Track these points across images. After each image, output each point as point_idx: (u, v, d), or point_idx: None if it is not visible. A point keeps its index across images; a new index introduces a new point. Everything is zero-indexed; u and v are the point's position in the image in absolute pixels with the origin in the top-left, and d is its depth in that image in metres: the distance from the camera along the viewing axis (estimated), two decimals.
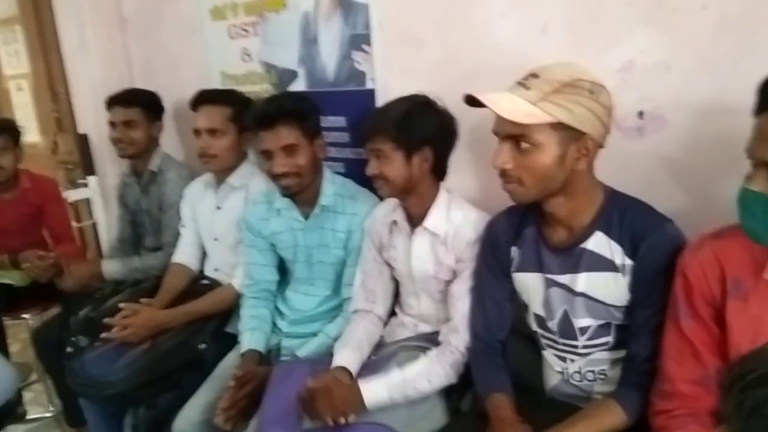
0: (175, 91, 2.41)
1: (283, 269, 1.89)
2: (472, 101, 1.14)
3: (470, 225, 1.45)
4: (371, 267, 1.65)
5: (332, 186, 1.74)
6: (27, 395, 2.76)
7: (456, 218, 1.47)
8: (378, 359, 1.54)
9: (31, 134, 3.08)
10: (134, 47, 2.61)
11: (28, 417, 2.70)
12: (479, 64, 1.56)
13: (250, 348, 1.73)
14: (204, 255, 2.13)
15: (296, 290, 1.85)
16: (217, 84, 2.22)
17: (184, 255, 2.12)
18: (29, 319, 2.61)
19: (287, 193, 1.69)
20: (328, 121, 1.87)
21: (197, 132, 1.92)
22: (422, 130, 1.42)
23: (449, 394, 1.43)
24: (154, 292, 2.02)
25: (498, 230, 1.36)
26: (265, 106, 1.67)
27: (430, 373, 1.40)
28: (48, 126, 2.99)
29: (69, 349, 1.95)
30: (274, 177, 1.66)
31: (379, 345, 1.62)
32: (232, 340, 1.83)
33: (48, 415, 2.73)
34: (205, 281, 2.07)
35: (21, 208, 2.54)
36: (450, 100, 1.44)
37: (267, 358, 1.75)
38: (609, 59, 1.35)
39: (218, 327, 1.91)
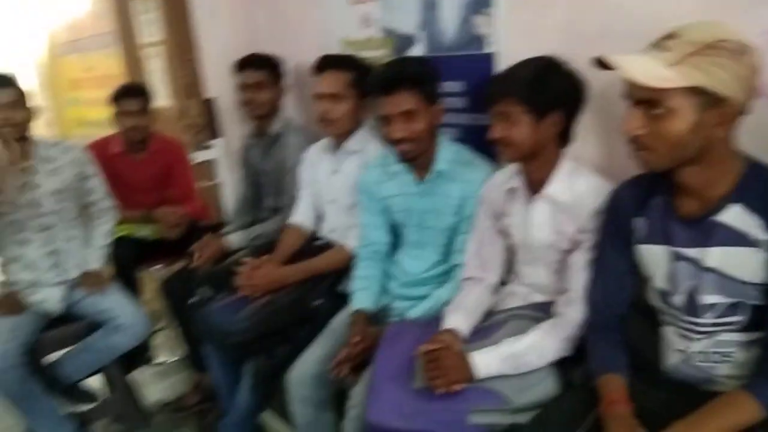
0: (296, 57, 2.48)
1: (396, 232, 1.93)
2: (602, 64, 1.09)
3: (594, 194, 1.39)
4: (485, 235, 1.64)
5: (448, 152, 1.73)
6: (155, 341, 3.00)
7: (579, 186, 1.42)
8: (488, 326, 1.54)
9: (162, 99, 3.29)
10: (260, 15, 2.70)
11: (156, 361, 2.95)
12: (607, 27, 1.48)
13: (360, 307, 1.79)
14: (320, 217, 2.21)
15: (407, 254, 1.87)
16: (336, 50, 2.25)
17: (301, 216, 2.20)
18: (158, 270, 2.84)
19: (403, 158, 1.71)
20: (445, 86, 1.86)
21: (318, 97, 1.97)
22: (554, 93, 1.37)
23: (561, 363, 1.40)
24: (271, 250, 2.13)
25: (623, 199, 1.30)
26: (385, 71, 1.68)
27: (543, 345, 1.38)
28: (179, 91, 3.17)
29: (194, 299, 2.11)
30: (392, 142, 1.68)
31: (490, 313, 1.61)
32: (345, 299, 1.89)
33: (173, 359, 2.97)
34: (320, 241, 2.15)
35: (151, 168, 2.75)
36: (574, 64, 1.38)
37: (376, 317, 1.80)
38: (753, 19, 1.23)
39: (332, 285, 1.98)
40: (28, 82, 2.19)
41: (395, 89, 1.61)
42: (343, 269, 1.99)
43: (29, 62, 5.78)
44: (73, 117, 5.73)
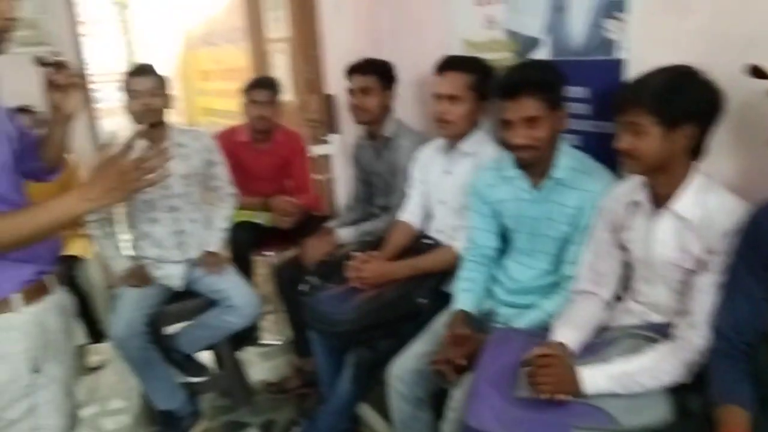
0: (416, 57, 2.50)
1: (505, 237, 1.90)
2: (757, 73, 1.02)
3: (727, 213, 1.30)
4: (602, 248, 1.58)
5: (567, 159, 1.68)
6: (263, 323, 3.14)
7: (710, 203, 1.33)
8: (598, 343, 1.48)
9: (287, 93, 3.44)
10: (384, 14, 2.74)
11: (262, 342, 3.09)
12: (757, 35, 1.38)
13: (462, 308, 1.78)
14: (428, 216, 2.21)
15: (515, 260, 1.84)
16: (458, 51, 2.25)
17: (410, 214, 2.22)
18: (271, 256, 2.97)
19: (521, 164, 1.68)
20: (569, 91, 1.81)
21: (438, 96, 1.97)
22: (687, 104, 1.29)
23: (677, 389, 1.33)
24: (379, 248, 2.16)
25: (764, 221, 1.21)
26: (510, 75, 1.66)
27: (657, 368, 1.31)
28: (300, 86, 3.31)
29: (303, 287, 2.19)
30: (511, 147, 1.66)
31: (601, 329, 1.55)
32: (448, 299, 1.89)
33: (278, 343, 3.10)
34: (427, 240, 2.16)
35: (273, 158, 2.88)
36: (714, 73, 1.30)
37: (479, 321, 1.78)
38: None
39: (437, 284, 1.98)
40: (166, 72, 2.35)
41: (519, 94, 1.58)
42: (449, 269, 1.99)
43: (168, 54, 6.23)
44: (200, 106, 6.12)
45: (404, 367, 1.77)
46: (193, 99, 6.19)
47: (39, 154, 1.47)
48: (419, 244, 2.16)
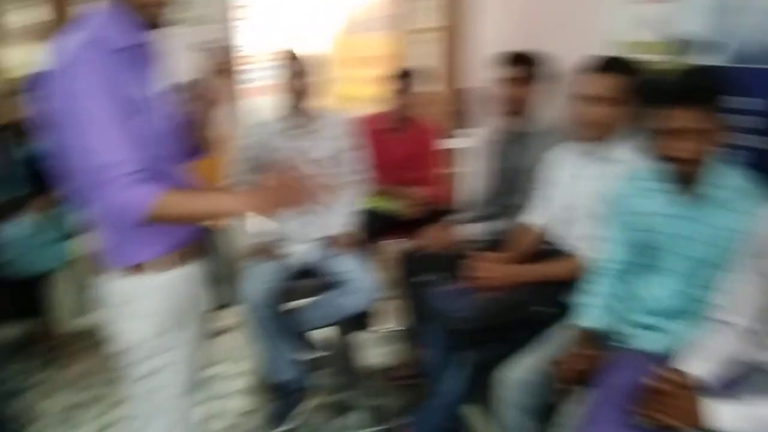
0: (560, 54, 2.39)
1: (639, 253, 1.76)
2: None
3: None
4: (753, 277, 1.42)
5: (726, 176, 1.52)
6: (380, 309, 3.17)
7: None
8: (735, 379, 1.34)
9: (429, 83, 3.43)
10: (534, 9, 2.64)
11: (378, 327, 3.13)
12: None
13: (587, 323, 1.69)
14: (556, 220, 2.11)
15: (649, 278, 1.70)
16: (604, 51, 2.11)
17: (536, 216, 2.14)
18: (395, 244, 2.98)
19: (674, 177, 1.54)
20: (740, 102, 1.63)
21: (585, 98, 1.87)
22: None
23: None
24: (501, 247, 2.10)
25: None
26: (675, 82, 1.52)
27: None
28: (443, 77, 3.28)
29: (423, 279, 2.18)
30: (667, 159, 1.52)
31: (736, 363, 1.40)
32: (567, 309, 1.79)
33: (392, 330, 3.12)
34: (553, 246, 2.06)
35: (408, 147, 2.89)
36: None
37: (601, 338, 1.67)
38: None
39: (558, 294, 1.89)
40: (317, 56, 2.43)
41: (684, 103, 1.44)
42: (571, 279, 1.89)
43: (321, 40, 6.46)
44: (343, 91, 6.29)
45: (514, 374, 1.71)
46: (336, 83, 6.38)
47: (192, 133, 1.57)
48: (545, 249, 2.07)
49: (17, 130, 2.97)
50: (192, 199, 1.32)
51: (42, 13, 3.34)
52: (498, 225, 2.32)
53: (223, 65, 1.48)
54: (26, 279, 2.91)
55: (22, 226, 2.87)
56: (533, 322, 1.85)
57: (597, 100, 1.83)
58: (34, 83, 1.32)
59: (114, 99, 1.23)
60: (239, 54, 3.65)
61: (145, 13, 1.31)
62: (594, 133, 1.88)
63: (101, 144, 1.20)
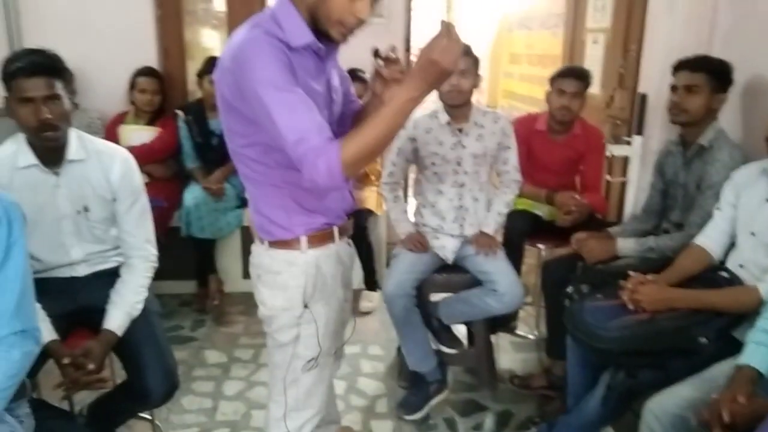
0: (754, 64, 2.18)
1: None
2: None
3: None
4: None
5: None
6: (520, 313, 3.12)
7: None
8: None
9: (593, 86, 3.28)
10: (723, 11, 2.43)
11: (516, 332, 3.08)
12: None
13: (748, 363, 1.53)
14: (732, 246, 1.94)
15: None
16: None
17: (709, 240, 1.97)
18: (543, 249, 2.91)
19: None
20: None
21: None
22: None
23: None
24: (662, 267, 1.97)
25: None
26: None
27: None
28: (610, 80, 3.12)
29: (570, 290, 2.10)
30: None
31: None
32: (736, 346, 1.63)
33: (531, 337, 3.06)
34: (724, 273, 1.89)
35: (567, 151, 2.79)
36: None
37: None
38: None
39: (726, 326, 1.73)
40: (479, 52, 2.41)
41: None
42: (745, 313, 1.72)
43: (483, 35, 6.42)
44: (504, 88, 6.20)
45: (665, 406, 1.60)
46: (498, 80, 6.30)
47: (353, 123, 1.61)
48: (713, 275, 1.91)
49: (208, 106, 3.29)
50: (367, 126, 1.28)
51: (228, 1, 3.65)
52: (662, 242, 2.17)
53: (393, 77, 1.47)
54: (203, 240, 3.23)
55: (202, 193, 3.19)
56: (693, 353, 1.71)
57: None
58: (214, 66, 1.44)
59: (293, 80, 1.29)
60: (410, 45, 3.73)
61: (333, 29, 1.35)
62: None
63: (292, 122, 1.26)
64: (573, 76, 2.68)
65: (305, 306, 1.51)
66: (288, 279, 1.50)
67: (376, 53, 1.47)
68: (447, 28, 1.23)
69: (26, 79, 1.68)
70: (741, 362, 1.55)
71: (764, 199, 1.80)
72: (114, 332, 1.81)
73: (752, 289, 1.72)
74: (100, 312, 1.84)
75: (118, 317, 1.84)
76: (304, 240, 1.49)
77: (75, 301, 1.89)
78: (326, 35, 1.38)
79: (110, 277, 1.94)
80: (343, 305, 1.69)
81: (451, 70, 1.24)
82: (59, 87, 1.73)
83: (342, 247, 1.61)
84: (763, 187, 1.82)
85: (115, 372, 2.00)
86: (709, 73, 2.10)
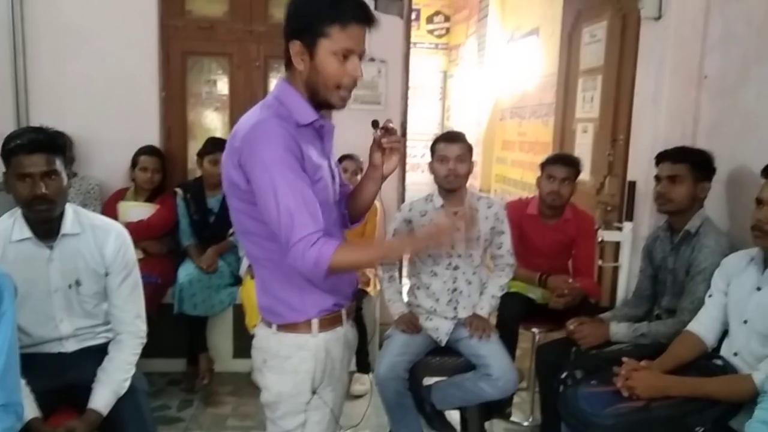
0: (738, 155, 2.27)
1: None
2: None
3: None
4: None
5: None
6: (515, 399, 3.06)
7: None
8: None
9: (584, 173, 3.37)
10: (705, 105, 2.55)
11: (511, 418, 3.01)
12: None
13: None
14: (725, 333, 1.94)
15: None
16: None
17: (701, 327, 1.97)
18: (537, 333, 2.90)
19: None
20: None
21: (759, 202, 1.76)
22: None
23: None
24: (656, 354, 1.96)
25: None
26: None
27: None
28: (599, 168, 3.22)
29: (564, 375, 2.08)
30: None
31: None
32: None
33: (525, 424, 2.99)
34: (718, 361, 1.89)
35: (559, 235, 2.84)
36: None
37: None
38: None
39: (721, 416, 1.71)
40: (472, 138, 2.50)
41: None
42: (740, 402, 1.70)
43: (476, 122, 6.64)
44: (496, 173, 6.35)
45: None
46: (491, 165, 6.46)
47: (347, 204, 1.67)
48: (707, 363, 1.90)
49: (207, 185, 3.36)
50: (367, 244, 1.43)
51: (230, 85, 3.80)
52: (655, 328, 2.17)
53: (393, 146, 1.56)
54: (195, 318, 3.20)
55: (196, 270, 3.19)
56: None
57: None
58: (218, 146, 1.49)
59: (299, 167, 1.35)
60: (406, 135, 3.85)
61: (332, 96, 1.43)
62: None
63: (293, 207, 1.31)
64: (562, 162, 2.76)
65: (313, 392, 1.48)
66: (297, 363, 1.47)
67: (375, 124, 1.54)
68: (466, 221, 1.40)
69: (26, 156, 1.73)
70: None
71: (754, 288, 1.82)
72: (99, 412, 1.77)
73: (746, 377, 1.72)
74: (86, 390, 1.81)
75: (104, 396, 1.80)
76: (315, 323, 1.48)
77: (61, 378, 1.85)
78: (327, 105, 1.45)
79: (99, 354, 1.91)
80: (346, 390, 1.67)
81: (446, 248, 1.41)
82: (58, 164, 1.78)
83: (349, 330, 1.60)
84: (752, 275, 1.85)
85: None
86: (690, 164, 2.18)
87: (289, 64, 1.44)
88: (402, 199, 3.86)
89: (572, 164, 2.77)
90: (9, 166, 1.76)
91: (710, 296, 1.99)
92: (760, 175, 1.81)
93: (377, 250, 1.47)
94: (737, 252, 1.98)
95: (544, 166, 2.81)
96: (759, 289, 1.81)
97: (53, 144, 1.79)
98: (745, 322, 1.83)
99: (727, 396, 1.73)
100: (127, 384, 1.86)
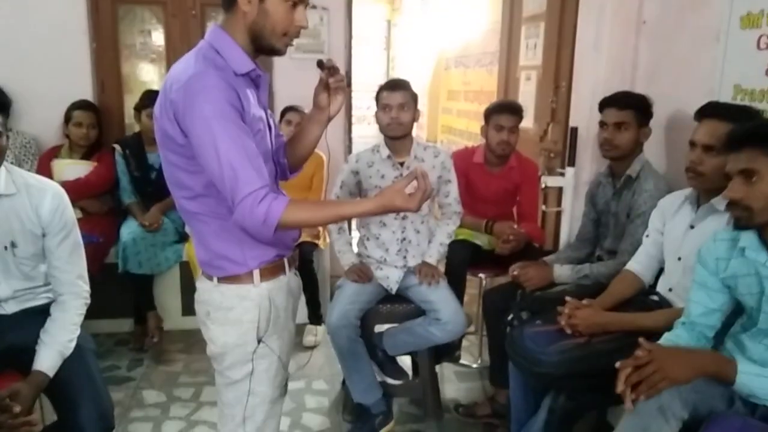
0: (674, 99, 2.33)
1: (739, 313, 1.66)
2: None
3: None
4: None
5: None
6: (463, 343, 3.15)
7: None
8: None
9: (527, 120, 3.41)
10: (644, 51, 2.60)
11: (460, 361, 3.10)
12: None
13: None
14: (660, 271, 2.04)
15: (756, 340, 1.60)
16: (726, 98, 2.04)
17: (639, 265, 2.07)
18: (484, 279, 2.97)
19: (739, 225, 1.47)
20: None
21: (692, 144, 1.82)
22: None
23: None
24: (597, 293, 2.04)
25: None
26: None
27: None
28: (542, 115, 3.26)
29: (510, 317, 2.15)
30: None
31: None
32: None
33: (474, 366, 3.09)
34: (654, 297, 1.99)
35: (504, 182, 2.89)
36: None
37: None
38: None
39: None
40: (417, 88, 2.48)
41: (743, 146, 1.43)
42: None
43: (421, 72, 6.60)
44: (442, 123, 6.36)
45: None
46: (437, 116, 6.46)
47: (287, 152, 1.64)
48: (644, 299, 2.00)
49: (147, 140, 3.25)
50: (320, 205, 1.40)
51: (166, 35, 3.64)
52: (596, 269, 2.26)
53: (338, 85, 1.56)
54: (141, 277, 3.13)
55: (139, 228, 3.11)
56: None
57: (702, 147, 1.79)
58: (154, 100, 1.43)
59: (240, 119, 1.32)
60: (350, 85, 3.80)
61: (278, 42, 1.40)
62: (703, 183, 1.83)
63: (237, 162, 1.28)
64: (509, 111, 2.78)
65: (259, 341, 1.48)
66: (241, 314, 1.47)
67: (321, 64, 1.53)
68: (422, 179, 1.34)
69: None
70: None
71: (688, 226, 1.91)
72: (45, 373, 1.73)
73: (678, 311, 1.80)
74: (29, 352, 1.76)
75: (49, 357, 1.75)
76: (256, 273, 1.47)
77: (2, 340, 1.80)
78: (269, 50, 1.42)
79: (40, 314, 1.86)
80: (293, 338, 1.68)
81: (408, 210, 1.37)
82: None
83: (292, 279, 1.60)
84: (687, 214, 1.93)
85: (45, 415, 1.90)
86: (635, 110, 2.23)
87: (229, 7, 1.39)
88: (348, 151, 3.83)
89: (518, 112, 2.79)
90: None
91: (647, 236, 2.07)
92: (693, 118, 1.87)
93: (330, 211, 1.43)
94: (672, 192, 2.07)
95: (489, 115, 2.82)
96: (692, 227, 1.89)
97: None
98: (680, 259, 1.92)
99: (663, 329, 1.81)
100: (73, 345, 1.82)
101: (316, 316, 3.33)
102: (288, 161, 1.65)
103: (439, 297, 2.39)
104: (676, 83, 2.37)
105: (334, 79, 1.55)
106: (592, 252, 2.48)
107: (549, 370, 1.78)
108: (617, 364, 1.46)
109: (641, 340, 1.51)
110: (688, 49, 2.32)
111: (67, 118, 3.22)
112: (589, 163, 2.77)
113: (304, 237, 3.11)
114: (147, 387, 2.85)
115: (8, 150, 1.82)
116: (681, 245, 1.92)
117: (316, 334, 3.29)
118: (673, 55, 2.41)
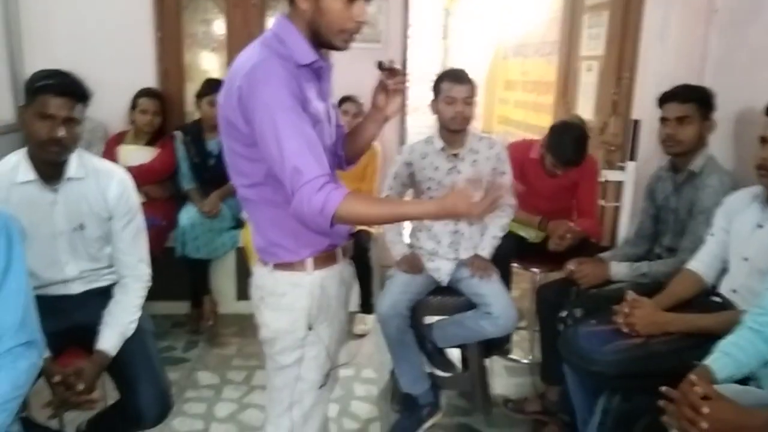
0: (747, 92, 2.22)
1: None
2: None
3: None
4: None
5: None
6: (514, 338, 3.11)
7: None
8: None
9: (586, 112, 3.32)
10: (714, 41, 2.49)
11: (510, 356, 3.07)
12: None
13: (704, 363, 1.54)
14: (724, 271, 1.95)
15: None
16: None
17: (701, 264, 1.98)
18: (537, 274, 2.92)
19: None
20: None
21: (764, 140, 1.74)
22: None
23: None
24: (655, 291, 1.97)
25: None
26: None
27: None
28: (603, 107, 3.17)
29: (564, 315, 2.11)
30: None
31: None
32: None
33: (525, 361, 3.05)
34: (716, 298, 1.91)
35: (561, 179, 2.80)
36: None
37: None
38: None
39: None
40: (475, 78, 2.44)
41: None
42: None
43: (478, 61, 6.51)
44: (499, 114, 6.27)
45: None
46: (494, 106, 6.37)
47: (344, 146, 1.65)
48: (705, 300, 1.93)
49: (206, 127, 3.33)
50: (379, 201, 1.39)
51: (227, 24, 3.70)
52: (655, 267, 2.19)
53: (397, 87, 1.54)
54: (198, 261, 3.23)
55: (197, 214, 3.20)
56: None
57: None
58: (216, 88, 1.46)
59: (301, 109, 1.33)
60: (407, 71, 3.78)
61: (336, 38, 1.39)
62: None
63: (296, 149, 1.28)
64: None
65: (309, 328, 1.50)
66: (293, 301, 1.49)
67: (381, 65, 1.51)
68: (493, 189, 1.34)
69: (53, 97, 1.72)
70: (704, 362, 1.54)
71: (756, 225, 1.82)
72: (107, 353, 1.81)
73: (740, 313, 1.73)
74: (93, 331, 1.84)
75: (111, 337, 1.83)
76: (309, 261, 1.48)
77: (68, 319, 1.88)
78: (329, 46, 1.41)
79: (104, 295, 1.94)
80: (344, 327, 1.69)
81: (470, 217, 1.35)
82: (79, 111, 1.78)
83: (345, 268, 1.61)
84: (755, 212, 1.84)
85: (107, 392, 1.99)
86: (698, 103, 2.14)
87: (291, 1, 1.40)
88: (402, 142, 3.82)
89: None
90: (32, 103, 1.74)
91: (712, 234, 1.99)
92: (765, 113, 1.78)
93: (389, 209, 1.39)
94: (740, 190, 1.97)
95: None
96: (761, 226, 1.81)
97: (81, 92, 1.79)
98: (746, 259, 1.84)
99: (724, 332, 1.74)
100: (134, 326, 1.89)
101: (367, 305, 3.36)
102: (344, 155, 1.66)
103: (490, 291, 2.36)
104: (749, 75, 2.26)
105: (393, 81, 1.53)
106: (651, 249, 2.41)
107: (603, 369, 1.74)
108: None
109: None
110: (762, 38, 2.20)
111: (133, 105, 3.32)
112: (652, 158, 2.67)
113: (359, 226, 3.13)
114: (201, 368, 2.94)
115: None
116: (748, 245, 1.84)
117: (366, 323, 3.32)
118: (745, 44, 2.30)
